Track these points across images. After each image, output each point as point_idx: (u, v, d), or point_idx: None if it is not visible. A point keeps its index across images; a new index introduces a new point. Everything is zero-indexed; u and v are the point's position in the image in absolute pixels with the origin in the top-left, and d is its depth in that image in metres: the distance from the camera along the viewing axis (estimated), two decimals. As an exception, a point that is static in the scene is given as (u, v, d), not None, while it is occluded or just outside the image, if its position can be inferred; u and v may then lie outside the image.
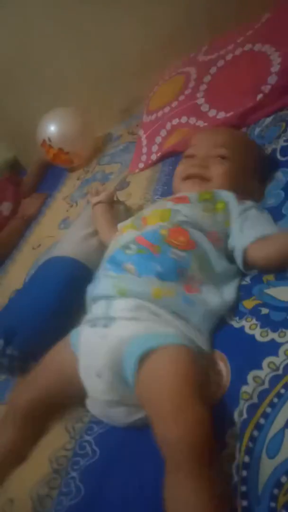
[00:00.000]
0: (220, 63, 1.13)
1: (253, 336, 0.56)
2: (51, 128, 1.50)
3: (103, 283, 0.66)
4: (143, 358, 0.54)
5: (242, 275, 0.68)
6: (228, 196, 0.73)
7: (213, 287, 0.64)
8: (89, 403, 0.61)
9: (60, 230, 1.26)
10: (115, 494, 0.51)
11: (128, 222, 0.76)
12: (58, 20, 1.54)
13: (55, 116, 1.52)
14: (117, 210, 0.99)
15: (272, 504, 0.41)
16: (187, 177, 0.81)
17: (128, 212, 1.03)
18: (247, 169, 0.80)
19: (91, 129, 1.59)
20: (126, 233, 0.72)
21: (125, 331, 0.58)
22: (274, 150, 0.85)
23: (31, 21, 1.56)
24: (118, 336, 0.58)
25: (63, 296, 0.80)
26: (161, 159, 1.19)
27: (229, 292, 0.64)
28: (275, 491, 0.41)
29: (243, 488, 0.43)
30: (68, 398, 0.65)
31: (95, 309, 0.65)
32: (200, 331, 0.58)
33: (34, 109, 1.70)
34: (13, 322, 0.78)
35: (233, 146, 0.81)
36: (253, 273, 0.66)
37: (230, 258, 0.69)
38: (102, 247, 0.86)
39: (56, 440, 0.63)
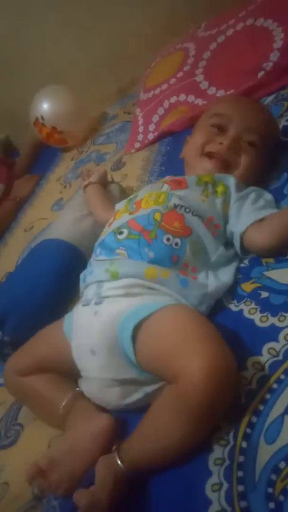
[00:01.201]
0: (221, 38, 1.09)
1: (252, 321, 0.54)
2: (44, 106, 1.46)
3: (95, 269, 0.64)
4: (140, 324, 0.52)
5: (241, 258, 0.66)
6: (229, 180, 0.70)
7: (210, 271, 0.62)
8: (82, 383, 0.60)
9: (53, 211, 1.23)
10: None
11: (122, 205, 0.73)
12: (54, 3, 1.50)
13: (49, 93, 1.48)
14: (111, 191, 0.96)
15: (270, 490, 0.40)
16: (211, 155, 0.74)
17: (124, 193, 1.00)
18: (267, 158, 0.75)
19: (86, 109, 1.54)
20: (119, 218, 0.69)
21: (117, 305, 0.57)
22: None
23: (26, 4, 1.52)
24: (111, 310, 0.57)
25: (55, 281, 0.79)
26: (158, 138, 1.16)
27: (226, 274, 0.63)
28: (273, 476, 0.41)
29: (240, 474, 0.42)
30: (59, 372, 0.63)
31: (87, 292, 0.63)
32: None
33: (28, 89, 1.64)
34: (5, 307, 0.76)
35: (264, 134, 0.74)
36: (251, 256, 0.65)
37: (228, 243, 0.67)
38: (95, 229, 0.84)
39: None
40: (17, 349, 0.71)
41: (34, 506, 0.55)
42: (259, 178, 0.75)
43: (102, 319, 0.56)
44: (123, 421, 0.56)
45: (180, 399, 0.45)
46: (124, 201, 0.74)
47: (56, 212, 1.21)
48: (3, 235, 1.32)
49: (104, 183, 0.96)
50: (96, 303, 0.59)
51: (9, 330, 0.73)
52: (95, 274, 0.63)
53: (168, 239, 0.61)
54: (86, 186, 0.96)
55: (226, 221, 0.68)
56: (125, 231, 0.64)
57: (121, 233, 0.64)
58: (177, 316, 0.53)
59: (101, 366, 0.55)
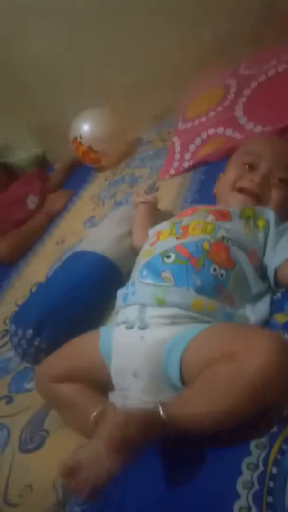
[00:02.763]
0: (262, 78, 1.15)
1: None
2: (84, 126, 1.53)
3: (140, 290, 0.65)
4: (187, 347, 0.54)
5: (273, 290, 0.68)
6: (269, 214, 0.73)
7: (248, 304, 0.64)
8: (116, 397, 0.61)
9: (85, 228, 1.28)
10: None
11: (165, 228, 0.75)
12: (103, 26, 1.58)
13: (90, 115, 1.55)
14: (157, 217, 0.99)
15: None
16: (242, 190, 0.78)
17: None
18: None
19: (123, 132, 1.61)
20: (165, 240, 0.71)
21: (163, 332, 0.58)
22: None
23: (77, 22, 1.60)
24: (157, 336, 0.58)
25: (93, 293, 0.81)
26: (193, 167, 1.20)
27: (263, 307, 0.65)
28: (302, 504, 0.42)
29: (269, 499, 0.43)
30: (88, 384, 0.64)
31: (128, 313, 0.64)
32: None
33: (67, 107, 1.74)
34: (44, 314, 0.78)
35: None
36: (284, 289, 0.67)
37: (264, 275, 0.69)
38: (134, 249, 0.87)
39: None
40: (51, 353, 0.73)
41: (57, 511, 0.57)
42: None
43: (148, 345, 0.58)
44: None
45: (238, 370, 0.47)
46: (167, 224, 0.76)
47: (88, 228, 1.25)
48: (34, 245, 1.37)
49: (155, 208, 0.99)
50: (140, 328, 0.60)
51: (46, 337, 0.75)
52: (138, 296, 0.64)
53: (214, 269, 0.63)
54: (141, 202, 0.99)
55: (264, 254, 0.70)
56: (173, 256, 0.65)
57: (168, 256, 0.66)
58: (225, 325, 0.56)
59: (143, 389, 0.57)
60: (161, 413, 0.49)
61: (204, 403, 0.49)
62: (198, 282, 0.62)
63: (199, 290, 0.61)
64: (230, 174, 0.82)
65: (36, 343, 0.75)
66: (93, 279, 0.83)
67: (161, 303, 0.61)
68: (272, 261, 0.68)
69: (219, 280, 0.63)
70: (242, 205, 0.75)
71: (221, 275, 0.63)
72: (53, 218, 1.46)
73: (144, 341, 0.59)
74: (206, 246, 0.66)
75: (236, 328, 0.57)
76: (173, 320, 0.60)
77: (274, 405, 0.48)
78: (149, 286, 0.64)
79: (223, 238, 0.68)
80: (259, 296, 0.66)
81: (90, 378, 0.64)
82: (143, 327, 0.60)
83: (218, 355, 0.51)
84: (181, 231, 0.71)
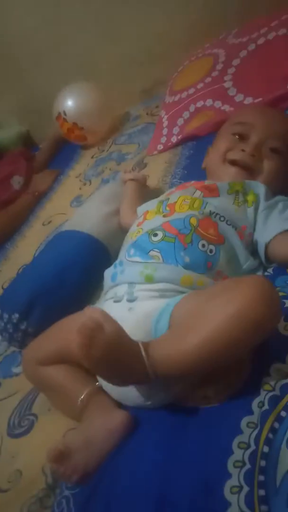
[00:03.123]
0: (251, 46, 1.10)
1: (276, 329, 0.54)
2: (68, 102, 1.47)
3: (127, 270, 0.63)
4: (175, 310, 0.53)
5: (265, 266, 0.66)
6: (259, 188, 0.71)
7: None
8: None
9: (72, 207, 1.24)
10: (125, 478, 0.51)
11: (152, 207, 0.73)
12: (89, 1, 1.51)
13: (74, 90, 1.49)
14: (146, 195, 0.96)
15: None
16: (234, 163, 0.75)
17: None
18: None
19: (109, 107, 1.55)
20: (152, 219, 0.69)
21: (152, 303, 0.57)
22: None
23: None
24: (145, 307, 0.57)
25: (82, 276, 0.79)
26: (182, 142, 1.17)
27: None
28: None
29: (261, 478, 0.42)
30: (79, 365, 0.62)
31: (116, 290, 0.63)
32: None
33: (53, 85, 1.67)
34: (32, 297, 0.75)
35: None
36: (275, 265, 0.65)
37: (254, 251, 0.67)
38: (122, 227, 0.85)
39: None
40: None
41: (47, 495, 0.56)
42: (285, 185, 0.75)
43: (137, 316, 0.57)
44: (139, 418, 0.56)
45: (223, 301, 0.47)
46: (154, 202, 0.74)
47: (75, 208, 1.22)
48: (20, 227, 1.33)
49: (144, 185, 0.96)
50: (128, 300, 0.59)
51: (33, 321, 0.73)
52: (127, 275, 0.63)
53: (203, 245, 0.62)
54: (129, 179, 0.96)
55: (254, 229, 0.68)
56: (160, 233, 0.64)
57: (155, 235, 0.64)
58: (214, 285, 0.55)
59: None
60: (142, 352, 0.48)
61: (189, 336, 0.47)
62: (187, 259, 0.60)
63: (188, 267, 0.60)
64: (219, 146, 0.78)
65: (23, 327, 0.74)
66: (80, 260, 0.81)
67: (150, 279, 0.60)
68: (263, 236, 0.66)
69: (209, 255, 0.62)
70: (233, 179, 0.73)
71: (211, 250, 0.62)
72: (39, 199, 1.42)
73: (132, 312, 0.58)
74: (194, 221, 0.64)
75: (222, 282, 0.56)
76: (162, 294, 0.58)
77: (260, 338, 0.47)
78: (137, 264, 0.63)
79: (210, 213, 0.66)
80: (250, 273, 0.64)
81: (78, 358, 0.62)
82: (131, 300, 0.59)
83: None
84: (168, 208, 0.69)
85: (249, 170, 0.74)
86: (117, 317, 0.58)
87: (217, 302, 0.48)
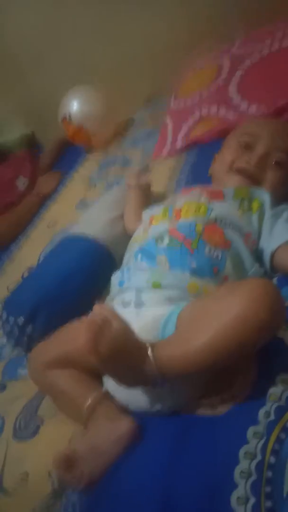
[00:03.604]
0: (255, 57, 1.11)
1: (282, 340, 0.55)
2: (74, 105, 1.48)
3: (135, 275, 0.64)
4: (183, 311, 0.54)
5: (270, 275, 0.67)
6: (264, 196, 0.72)
7: None
8: (110, 383, 0.60)
9: (77, 210, 1.25)
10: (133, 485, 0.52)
11: (158, 212, 0.74)
12: (92, 2, 1.52)
13: (79, 92, 1.50)
14: (150, 200, 0.97)
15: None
16: (239, 171, 0.77)
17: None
18: None
19: (115, 111, 1.56)
20: (158, 224, 0.70)
21: (160, 309, 0.58)
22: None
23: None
24: (153, 313, 0.58)
25: (87, 281, 0.80)
26: (186, 148, 1.17)
27: None
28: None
29: (268, 489, 0.43)
30: (84, 370, 0.63)
31: (123, 296, 0.64)
32: None
33: (57, 87, 1.67)
34: (37, 303, 0.76)
35: None
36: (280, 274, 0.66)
37: (260, 259, 0.68)
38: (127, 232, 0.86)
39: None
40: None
41: (54, 501, 0.56)
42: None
43: (145, 320, 0.58)
44: (145, 426, 0.57)
45: (225, 304, 0.48)
46: (160, 207, 0.75)
47: (80, 210, 1.23)
48: (25, 229, 1.34)
49: (147, 191, 0.96)
50: (136, 306, 0.60)
51: (39, 326, 0.74)
52: (134, 281, 0.64)
53: (209, 251, 0.63)
54: (134, 185, 0.96)
55: (260, 237, 0.69)
56: (166, 239, 0.65)
57: (162, 240, 0.65)
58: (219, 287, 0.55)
59: None
60: (149, 351, 0.49)
61: (195, 337, 0.48)
62: (193, 264, 0.61)
63: (195, 273, 0.61)
64: (226, 154, 0.80)
65: (28, 331, 0.74)
66: (85, 266, 0.82)
67: (157, 286, 0.61)
68: (269, 245, 0.67)
69: (215, 261, 0.62)
70: (237, 186, 0.74)
71: (217, 256, 0.63)
72: (44, 201, 1.43)
73: (140, 317, 0.58)
74: (199, 228, 0.65)
75: (227, 284, 0.57)
76: (169, 300, 0.59)
77: (264, 338, 0.48)
78: (144, 271, 0.64)
79: (216, 219, 0.67)
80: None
81: (85, 363, 0.62)
82: (139, 305, 0.60)
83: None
84: (174, 214, 0.70)
85: (253, 179, 0.76)
86: (125, 321, 0.59)
87: (222, 303, 0.49)
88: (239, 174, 0.77)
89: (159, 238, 0.66)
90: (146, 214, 0.79)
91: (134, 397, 0.57)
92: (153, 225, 0.71)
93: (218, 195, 0.72)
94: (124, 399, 0.59)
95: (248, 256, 0.65)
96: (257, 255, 0.68)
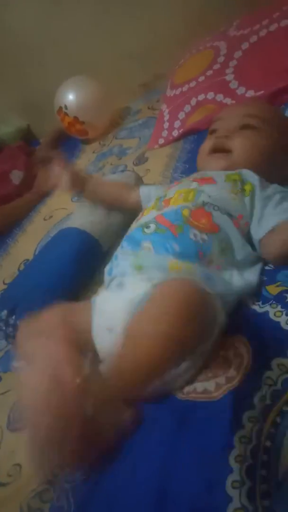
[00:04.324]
0: (253, 38, 1.09)
1: (278, 323, 0.54)
2: (69, 96, 1.47)
3: (121, 262, 0.64)
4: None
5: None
6: (254, 179, 0.70)
7: (235, 271, 0.62)
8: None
9: (73, 202, 1.24)
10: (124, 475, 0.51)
11: (150, 204, 0.73)
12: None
13: (75, 83, 1.48)
14: (126, 179, 0.96)
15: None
16: (210, 152, 0.76)
17: (140, 181, 0.99)
18: (280, 143, 0.74)
19: (110, 102, 1.54)
20: (147, 214, 0.69)
21: (139, 287, 0.57)
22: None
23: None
24: (132, 291, 0.57)
25: (68, 265, 0.80)
26: (183, 136, 1.16)
27: (251, 275, 0.62)
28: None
29: (263, 472, 0.42)
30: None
31: (112, 283, 0.64)
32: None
33: (52, 78, 1.66)
34: (18, 292, 0.78)
35: (264, 116, 0.75)
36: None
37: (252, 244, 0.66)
38: (109, 217, 0.88)
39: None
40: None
41: (46, 489, 0.55)
42: (278, 170, 0.74)
43: (124, 299, 0.57)
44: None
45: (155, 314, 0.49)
46: (153, 200, 0.74)
47: (76, 202, 1.21)
48: (21, 222, 1.33)
49: (82, 182, 0.90)
50: (118, 286, 0.61)
51: (21, 314, 0.74)
52: (120, 268, 0.64)
53: (195, 235, 0.61)
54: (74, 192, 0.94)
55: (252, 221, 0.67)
56: (153, 226, 0.64)
57: (148, 227, 0.65)
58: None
59: (116, 343, 0.54)
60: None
61: (133, 355, 0.48)
62: (177, 248, 0.60)
63: (179, 256, 0.60)
64: (201, 147, 0.81)
65: (11, 321, 0.75)
66: (67, 252, 0.83)
67: (139, 269, 0.61)
68: (257, 232, 0.65)
69: (200, 245, 0.61)
70: (219, 166, 0.73)
71: (203, 240, 0.61)
72: (43, 198, 1.41)
73: (121, 296, 0.59)
74: (186, 213, 0.64)
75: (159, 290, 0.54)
76: (149, 280, 0.58)
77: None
78: (128, 256, 0.63)
79: (203, 203, 0.65)
80: (248, 264, 0.63)
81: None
82: (120, 285, 0.61)
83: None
84: (163, 203, 0.69)
85: (225, 151, 0.74)
86: (105, 303, 0.61)
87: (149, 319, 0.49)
88: (212, 153, 0.76)
89: (145, 226, 0.65)
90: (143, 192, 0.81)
91: None
92: (143, 216, 0.70)
93: (209, 180, 0.71)
94: None
95: (238, 239, 0.63)
96: (249, 237, 0.66)
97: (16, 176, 1.47)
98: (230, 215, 0.65)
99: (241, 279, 0.61)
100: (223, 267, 0.61)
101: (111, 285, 0.63)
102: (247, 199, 0.68)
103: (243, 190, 0.68)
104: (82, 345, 0.57)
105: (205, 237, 0.61)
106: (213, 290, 0.56)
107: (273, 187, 0.70)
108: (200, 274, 0.59)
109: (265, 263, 0.65)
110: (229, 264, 0.62)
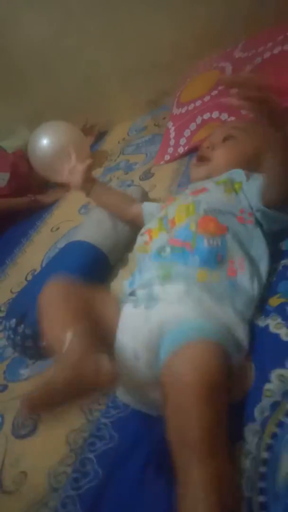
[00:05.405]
0: (258, 60, 1.12)
1: (277, 335, 0.55)
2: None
3: (145, 273, 0.65)
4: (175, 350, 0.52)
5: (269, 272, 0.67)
6: (240, 175, 0.74)
7: (248, 271, 0.63)
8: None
9: (80, 215, 1.26)
10: (130, 481, 0.52)
11: (154, 225, 0.74)
12: (96, 10, 1.55)
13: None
14: (132, 194, 0.98)
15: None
16: (194, 162, 0.86)
17: (146, 196, 1.03)
18: (255, 145, 0.78)
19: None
20: (158, 237, 0.71)
21: (166, 314, 0.57)
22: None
23: (70, 7, 1.57)
24: (159, 320, 0.57)
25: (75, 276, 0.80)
26: (188, 153, 1.19)
27: (261, 276, 0.64)
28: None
29: (261, 484, 0.43)
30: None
31: (137, 293, 0.63)
32: (243, 319, 0.58)
33: (61, 93, 1.71)
34: (26, 301, 0.79)
35: (243, 126, 0.83)
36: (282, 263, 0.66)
37: (260, 236, 0.68)
38: (116, 229, 0.91)
39: (73, 420, 0.63)
40: (37, 342, 0.75)
41: (51, 497, 0.56)
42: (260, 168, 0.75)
43: (151, 328, 0.56)
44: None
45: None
46: (155, 221, 0.75)
47: (83, 215, 1.24)
48: (28, 232, 1.36)
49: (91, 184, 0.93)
50: (146, 308, 0.59)
51: (29, 323, 0.75)
52: (145, 278, 0.64)
53: (208, 242, 0.64)
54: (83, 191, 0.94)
55: (251, 208, 0.69)
56: (168, 249, 0.66)
57: (164, 251, 0.66)
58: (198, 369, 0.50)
59: (144, 369, 0.55)
60: None
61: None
62: (197, 259, 0.62)
63: (201, 265, 0.62)
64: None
65: (20, 330, 0.76)
66: (75, 265, 0.85)
67: (167, 277, 0.62)
68: (255, 201, 0.68)
69: (216, 248, 0.63)
70: (198, 174, 0.82)
71: (217, 243, 0.64)
72: (35, 207, 1.47)
73: (147, 324, 0.57)
74: (193, 226, 0.66)
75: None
76: (178, 297, 0.58)
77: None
78: (154, 266, 0.65)
79: (205, 211, 0.68)
80: (257, 260, 0.65)
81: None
82: (148, 307, 0.59)
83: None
84: (169, 225, 0.71)
85: (206, 160, 0.83)
86: (132, 325, 0.59)
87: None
88: (196, 162, 0.86)
89: (161, 250, 0.67)
90: (143, 228, 0.78)
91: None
92: (153, 239, 0.72)
93: (201, 190, 0.74)
94: (126, 400, 0.60)
95: (246, 232, 0.66)
96: (256, 226, 0.68)
97: (1, 179, 1.50)
98: (232, 214, 0.68)
99: (255, 281, 0.62)
100: (239, 267, 0.63)
101: (138, 295, 0.62)
102: (241, 195, 0.72)
103: (234, 189, 0.72)
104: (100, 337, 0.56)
105: (218, 240, 0.64)
106: (236, 300, 0.59)
107: (257, 175, 0.73)
108: (227, 284, 0.60)
109: (269, 257, 0.66)
110: (244, 262, 0.63)
